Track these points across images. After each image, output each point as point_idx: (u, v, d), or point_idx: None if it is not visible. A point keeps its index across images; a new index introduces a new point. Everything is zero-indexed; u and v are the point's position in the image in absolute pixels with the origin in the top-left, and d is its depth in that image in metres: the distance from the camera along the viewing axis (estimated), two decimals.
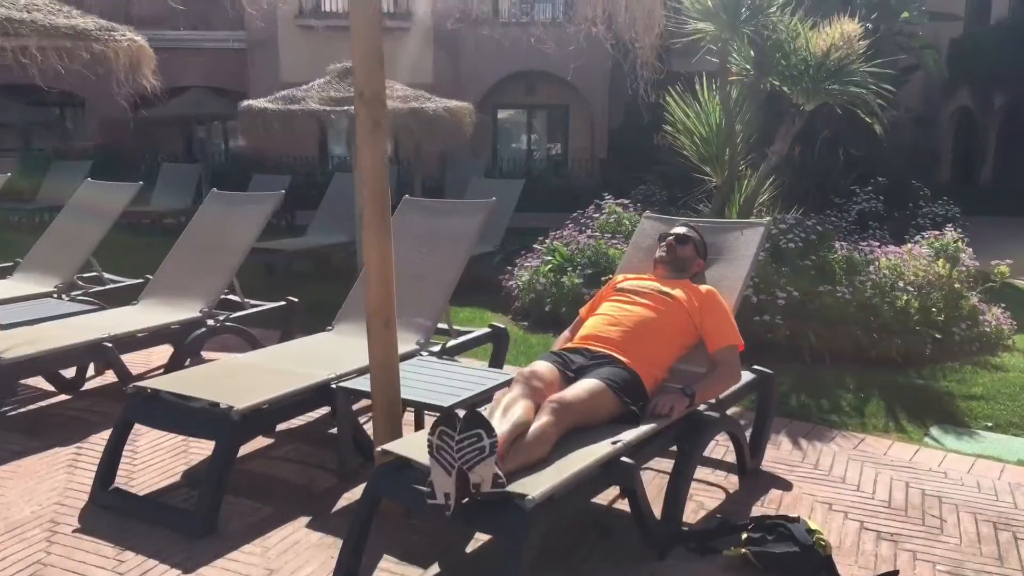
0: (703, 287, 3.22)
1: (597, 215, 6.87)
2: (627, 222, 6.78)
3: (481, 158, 15.14)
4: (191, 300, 4.59)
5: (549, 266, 6.29)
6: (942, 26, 13.59)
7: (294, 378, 3.31)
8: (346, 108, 6.47)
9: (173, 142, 19.19)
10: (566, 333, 3.38)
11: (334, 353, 3.77)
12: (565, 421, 2.53)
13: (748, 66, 6.43)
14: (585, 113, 18.05)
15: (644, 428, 2.68)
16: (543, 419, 2.48)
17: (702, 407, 3.02)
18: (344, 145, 16.95)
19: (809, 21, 6.04)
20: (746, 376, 3.35)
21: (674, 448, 2.94)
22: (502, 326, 4.34)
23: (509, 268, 6.81)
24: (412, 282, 4.08)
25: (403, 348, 3.47)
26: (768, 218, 3.21)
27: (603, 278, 5.44)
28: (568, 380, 2.81)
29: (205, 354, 4.85)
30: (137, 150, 17.53)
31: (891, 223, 9.48)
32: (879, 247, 6.04)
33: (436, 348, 3.90)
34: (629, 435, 2.58)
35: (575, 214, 7.19)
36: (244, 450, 3.44)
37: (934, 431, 4.01)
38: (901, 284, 5.38)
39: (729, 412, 3.28)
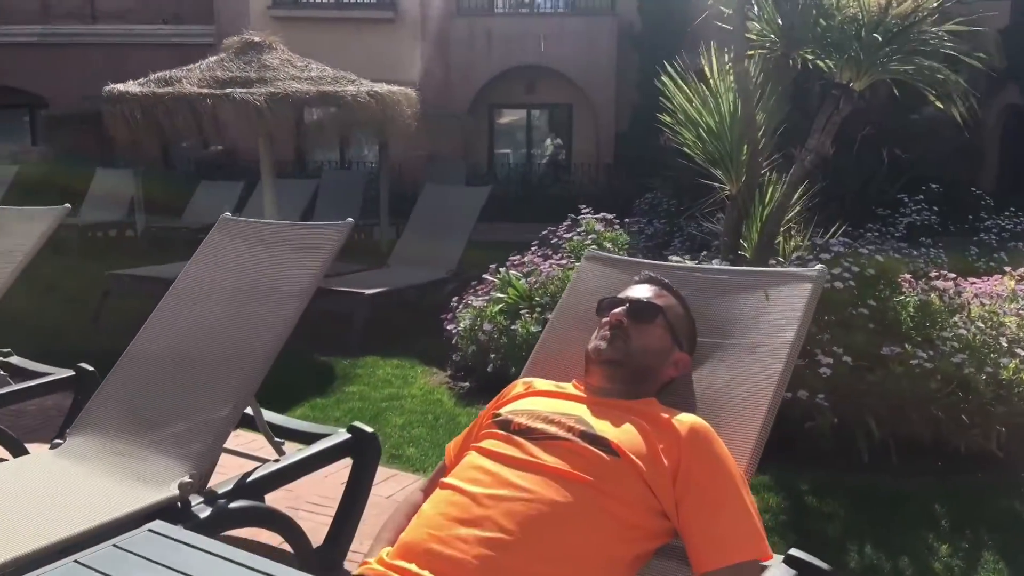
0: (684, 419, 1.50)
1: (568, 235, 5.15)
2: (609, 244, 5.05)
3: (465, 162, 13.45)
4: None
5: (498, 306, 4.58)
6: (985, 17, 11.76)
7: None
8: (227, 91, 4.83)
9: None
10: (418, 494, 1.67)
11: (51, 494, 2.10)
12: None
13: (772, 33, 4.70)
14: (590, 114, 16.32)
15: None
16: None
17: None
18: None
19: None
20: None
21: None
22: (368, 430, 2.63)
23: (455, 303, 5.09)
24: (194, 367, 2.40)
25: (142, 499, 1.94)
26: (820, 266, 1.40)
27: None
28: None
29: None
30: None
31: (947, 239, 7.69)
32: (953, 281, 4.25)
33: (226, 489, 2.21)
34: None
35: (544, 232, 5.48)
36: None
37: None
38: (1004, 343, 3.61)
39: None
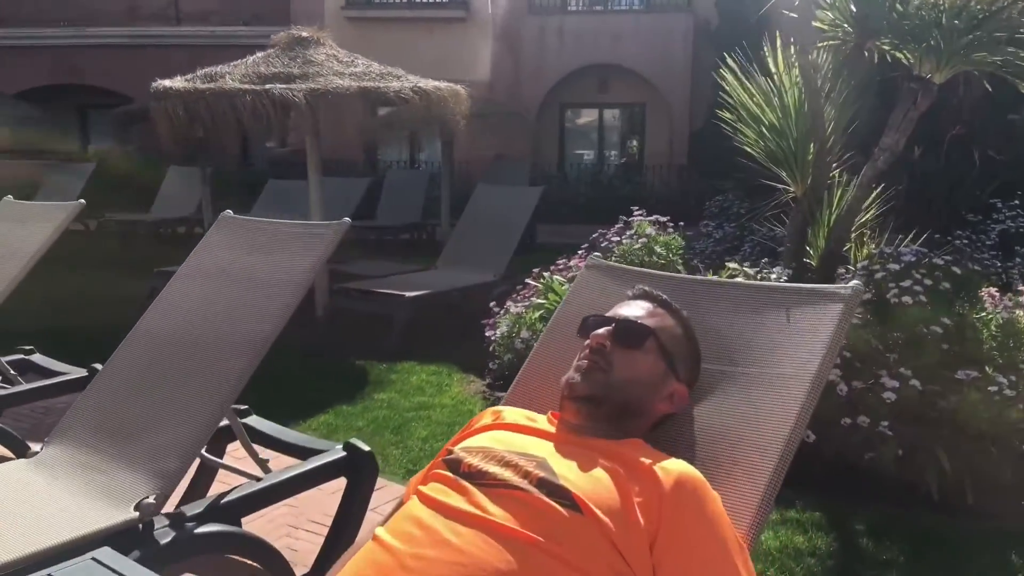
0: (670, 468, 1.23)
1: (618, 238, 4.84)
2: (661, 249, 4.73)
3: (531, 162, 13.21)
4: None
5: (538, 312, 4.33)
6: None
7: None
8: (267, 87, 4.72)
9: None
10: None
11: (6, 511, 1.96)
12: None
13: (845, 23, 4.30)
14: (663, 113, 15.86)
15: None
16: None
17: None
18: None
19: None
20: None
21: None
22: (364, 448, 2.41)
23: (497, 309, 4.86)
24: (170, 376, 2.25)
25: (96, 521, 1.81)
26: (855, 282, 1.09)
27: None
28: None
29: None
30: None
31: None
32: None
33: (195, 511, 2.03)
34: None
35: (595, 235, 5.18)
36: None
37: None
38: None
39: None
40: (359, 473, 2.42)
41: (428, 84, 5.29)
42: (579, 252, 4.91)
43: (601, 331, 1.40)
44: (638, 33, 15.32)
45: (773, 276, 4.33)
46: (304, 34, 5.53)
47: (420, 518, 1.21)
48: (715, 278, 1.66)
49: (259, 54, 5.46)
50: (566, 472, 1.23)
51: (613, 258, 4.96)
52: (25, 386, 3.09)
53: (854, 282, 1.48)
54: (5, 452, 2.84)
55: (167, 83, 5.03)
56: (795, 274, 4.36)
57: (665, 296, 1.49)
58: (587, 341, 1.41)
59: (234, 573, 2.16)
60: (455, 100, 5.45)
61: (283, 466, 2.34)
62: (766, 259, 5.20)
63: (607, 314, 1.46)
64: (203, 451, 2.30)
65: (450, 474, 1.28)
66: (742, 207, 9.28)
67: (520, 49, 15.71)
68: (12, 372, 3.16)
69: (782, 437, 1.33)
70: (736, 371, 1.48)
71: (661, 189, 14.67)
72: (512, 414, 1.45)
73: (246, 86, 4.74)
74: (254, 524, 2.50)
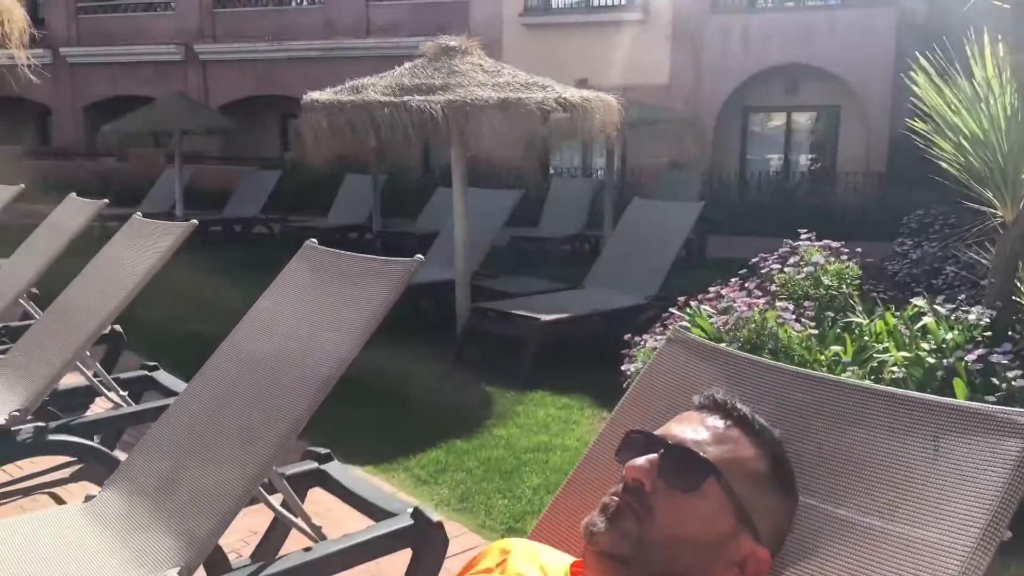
0: None
1: (779, 265, 4.24)
2: (831, 281, 4.09)
3: (705, 171, 12.49)
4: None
5: None
6: None
7: None
8: (404, 99, 4.55)
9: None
10: None
11: (43, 563, 1.85)
12: None
13: None
14: (860, 116, 14.51)
15: None
16: None
17: None
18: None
19: None
20: None
21: None
22: (434, 519, 2.10)
23: (638, 338, 4.40)
24: (223, 428, 2.06)
25: None
26: None
27: None
28: None
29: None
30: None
31: None
32: None
33: None
34: None
35: (755, 259, 4.60)
36: None
37: None
38: None
39: None
40: (424, 547, 2.12)
41: (575, 95, 4.93)
42: (732, 280, 4.36)
43: (641, 461, 0.98)
44: (833, 30, 14.11)
45: (972, 316, 3.60)
46: (452, 44, 5.35)
47: None
48: (837, 378, 1.17)
49: (407, 65, 5.35)
50: None
51: (772, 288, 4.37)
52: (127, 409, 3.07)
53: None
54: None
55: (315, 95, 5.01)
56: (999, 318, 3.60)
57: (748, 409, 1.05)
58: (624, 469, 1.01)
59: None
60: (605, 111, 5.05)
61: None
62: (963, 295, 4.40)
63: (658, 432, 1.04)
64: (275, 502, 2.09)
65: None
66: (947, 224, 8.20)
67: (701, 50, 14.95)
68: (122, 393, 3.15)
69: None
70: (850, 519, 1.02)
71: (854, 200, 13.42)
72: (521, 562, 1.07)
73: (386, 98, 4.61)
74: None
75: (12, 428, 2.74)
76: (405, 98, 4.55)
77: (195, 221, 3.17)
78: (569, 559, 1.09)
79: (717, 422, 1.03)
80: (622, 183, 14.23)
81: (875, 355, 3.55)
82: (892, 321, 3.74)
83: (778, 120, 16.09)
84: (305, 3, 19.08)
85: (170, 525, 1.91)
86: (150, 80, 18.83)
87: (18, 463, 3.33)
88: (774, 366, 1.26)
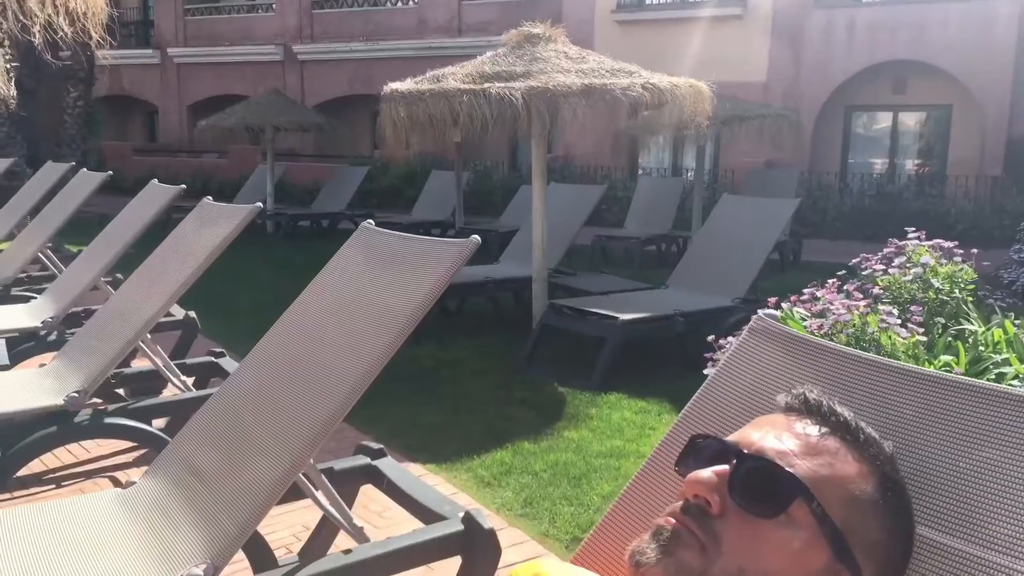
0: None
1: (883, 266, 3.87)
2: (942, 284, 3.70)
3: (805, 170, 11.92)
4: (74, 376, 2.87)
5: None
6: None
7: None
8: (484, 86, 4.38)
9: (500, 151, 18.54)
10: None
11: (72, 551, 1.76)
12: None
13: None
14: (975, 116, 13.59)
15: None
16: None
17: None
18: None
19: None
20: None
21: None
22: (486, 526, 1.92)
23: (722, 343, 4.11)
24: (263, 418, 1.94)
25: None
26: None
27: None
28: None
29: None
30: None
31: None
32: None
33: None
34: None
35: (856, 259, 4.22)
36: None
37: None
38: None
39: None
40: (475, 555, 1.93)
41: (663, 80, 4.66)
42: (829, 282, 4.01)
43: (707, 474, 0.77)
44: (947, 24, 13.26)
45: None
46: (535, 31, 5.16)
47: None
48: (967, 379, 0.91)
49: (488, 54, 5.19)
50: None
51: (875, 291, 3.99)
52: (188, 394, 3.00)
53: None
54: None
55: (395, 85, 4.91)
56: None
57: (850, 414, 0.82)
58: (687, 478, 0.79)
59: None
60: (696, 98, 4.75)
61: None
62: None
63: (730, 437, 0.82)
64: (321, 498, 1.94)
65: None
66: None
67: (802, 46, 14.32)
68: (183, 378, 3.09)
69: None
70: (983, 558, 0.77)
71: (965, 204, 12.58)
72: None
73: (465, 86, 4.46)
74: None
75: (71, 409, 2.71)
76: (485, 85, 4.39)
77: (259, 204, 3.09)
78: None
79: (809, 428, 0.80)
80: (714, 183, 13.77)
81: (991, 367, 3.18)
82: (1012, 330, 3.35)
83: (884, 122, 15.26)
84: (399, 3, 19.27)
85: (201, 518, 1.79)
86: (251, 79, 19.39)
87: (85, 445, 3.33)
88: (883, 363, 1.01)
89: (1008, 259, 7.50)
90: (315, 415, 1.79)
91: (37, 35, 5.25)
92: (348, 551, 1.86)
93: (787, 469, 0.75)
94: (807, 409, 0.83)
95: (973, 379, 0.94)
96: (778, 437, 0.79)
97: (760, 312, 1.22)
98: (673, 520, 0.76)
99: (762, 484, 0.75)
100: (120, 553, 1.75)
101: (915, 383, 0.94)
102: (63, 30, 5.44)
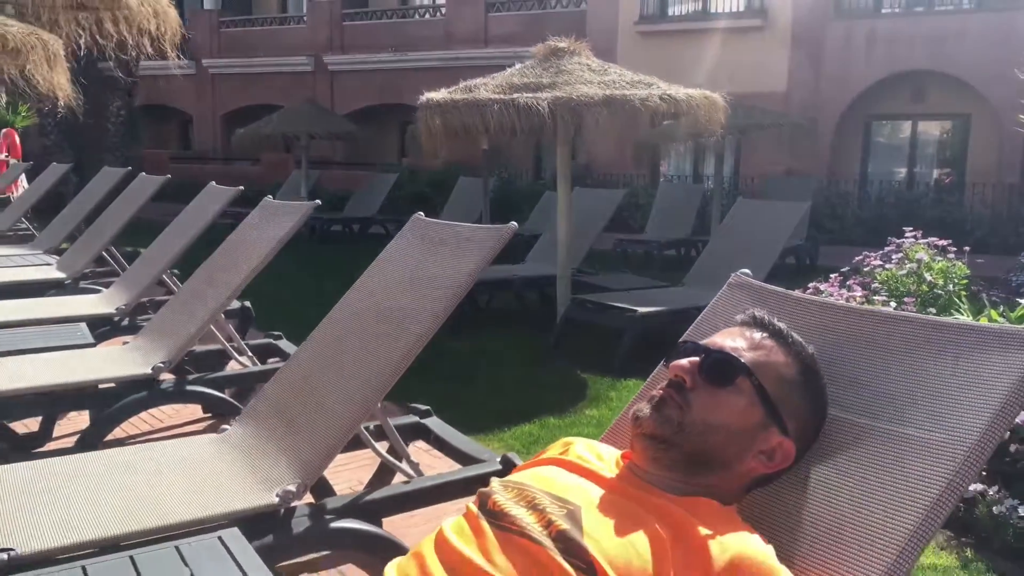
0: (730, 544, 0.97)
1: (881, 263, 4.21)
2: (935, 278, 4.03)
3: (815, 178, 12.20)
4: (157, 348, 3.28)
5: None
6: None
7: None
8: (513, 96, 4.77)
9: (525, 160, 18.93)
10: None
11: (176, 482, 2.15)
12: None
13: None
14: (993, 125, 13.79)
15: None
16: None
17: None
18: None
19: None
20: None
21: None
22: (519, 463, 2.30)
23: None
24: (335, 367, 2.32)
25: (237, 503, 1.93)
26: None
27: None
28: None
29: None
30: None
31: None
32: None
33: (338, 504, 2.07)
34: None
35: (857, 258, 4.57)
36: None
37: None
38: None
39: None
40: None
41: (679, 92, 5.03)
42: (832, 276, 4.35)
43: (684, 362, 1.14)
44: (965, 35, 13.50)
45: None
46: (561, 44, 5.55)
47: (425, 562, 1.07)
48: (866, 307, 1.29)
49: (518, 66, 5.59)
50: (596, 529, 1.01)
51: (874, 285, 4.33)
52: (252, 368, 3.40)
53: None
54: None
55: (430, 94, 5.31)
56: None
57: (783, 325, 1.19)
58: (670, 368, 1.17)
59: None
60: (710, 108, 5.12)
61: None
62: None
63: (703, 342, 1.19)
64: (379, 447, 2.32)
65: (476, 510, 1.11)
66: None
67: (822, 56, 14.60)
68: (250, 355, 3.49)
69: (905, 530, 0.98)
70: (870, 426, 1.14)
71: (981, 211, 12.79)
72: (581, 447, 1.25)
73: (496, 96, 4.86)
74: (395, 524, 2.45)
75: (156, 377, 3.12)
76: (514, 95, 4.78)
77: (318, 201, 3.49)
78: (621, 451, 1.25)
79: (755, 334, 1.18)
80: (734, 191, 14.06)
81: None
82: (997, 318, 3.66)
83: (903, 131, 15.48)
84: (427, 15, 19.78)
85: (289, 450, 2.18)
86: (282, 90, 19.97)
87: (159, 415, 3.75)
88: (826, 304, 1.39)
89: (1018, 263, 7.72)
90: (383, 365, 2.18)
91: (111, 53, 5.68)
92: (407, 481, 2.24)
93: (737, 356, 1.12)
94: (754, 322, 1.20)
95: (871, 307, 1.31)
96: (733, 339, 1.17)
97: (739, 271, 1.59)
98: (661, 391, 1.14)
99: (720, 367, 1.12)
100: (227, 478, 2.14)
101: (843, 314, 1.31)
102: (145, 50, 5.89)
